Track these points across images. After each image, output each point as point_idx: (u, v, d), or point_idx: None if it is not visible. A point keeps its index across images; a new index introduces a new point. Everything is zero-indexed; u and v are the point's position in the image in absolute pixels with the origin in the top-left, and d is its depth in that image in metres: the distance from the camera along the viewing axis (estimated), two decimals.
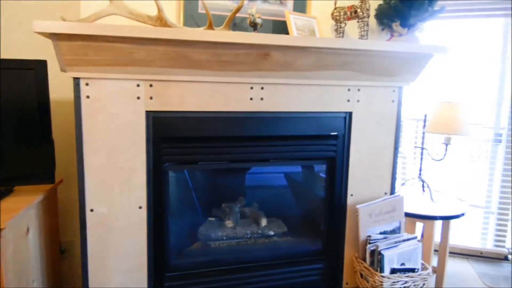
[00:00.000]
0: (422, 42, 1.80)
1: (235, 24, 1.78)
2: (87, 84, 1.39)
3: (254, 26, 1.69)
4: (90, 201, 1.45)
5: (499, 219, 2.59)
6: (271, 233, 1.95)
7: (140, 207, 1.51)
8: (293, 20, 1.77)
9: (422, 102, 2.92)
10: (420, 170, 2.27)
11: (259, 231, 1.94)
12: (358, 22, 1.74)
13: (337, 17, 1.78)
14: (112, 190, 1.47)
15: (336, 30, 1.81)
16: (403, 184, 2.42)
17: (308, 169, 2.04)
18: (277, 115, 1.66)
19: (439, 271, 2.13)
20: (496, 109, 2.58)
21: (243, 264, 1.75)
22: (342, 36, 1.81)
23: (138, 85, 1.44)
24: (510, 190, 2.54)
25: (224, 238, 1.88)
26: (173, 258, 1.67)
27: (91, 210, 1.46)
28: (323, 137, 1.76)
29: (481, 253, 2.63)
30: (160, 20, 1.46)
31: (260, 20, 1.69)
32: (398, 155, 1.86)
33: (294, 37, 1.52)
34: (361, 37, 1.74)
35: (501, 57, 2.52)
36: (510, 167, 2.52)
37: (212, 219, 1.99)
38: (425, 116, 2.24)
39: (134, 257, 1.53)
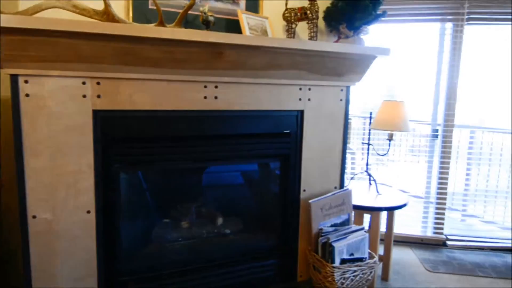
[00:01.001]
0: (367, 44, 1.91)
1: (187, 21, 1.76)
2: (26, 82, 1.29)
3: (206, 24, 1.68)
4: (32, 207, 1.36)
5: (437, 208, 2.82)
6: (227, 231, 1.96)
7: (89, 212, 1.44)
8: (246, 20, 1.79)
9: (370, 100, 3.10)
10: (367, 164, 2.41)
11: (215, 230, 1.94)
12: (308, 23, 1.80)
13: (288, 18, 1.83)
14: (57, 194, 1.39)
15: (287, 31, 1.86)
16: (352, 178, 2.55)
17: (263, 166, 2.07)
18: (231, 113, 1.67)
19: (385, 259, 2.27)
20: (433, 106, 2.80)
21: (199, 264, 1.74)
22: (293, 37, 1.86)
23: (83, 83, 1.37)
24: (446, 181, 2.78)
25: (180, 239, 1.86)
26: (126, 263, 1.61)
27: (34, 217, 1.36)
28: (277, 135, 1.80)
29: (422, 240, 2.86)
30: (107, 15, 1.40)
31: (213, 18, 1.68)
32: (347, 151, 1.96)
33: (247, 36, 1.54)
34: (311, 38, 1.80)
35: (437, 58, 2.75)
36: (445, 160, 2.76)
37: (167, 220, 1.95)
38: (371, 113, 2.38)
39: (83, 265, 1.46)
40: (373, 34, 2.64)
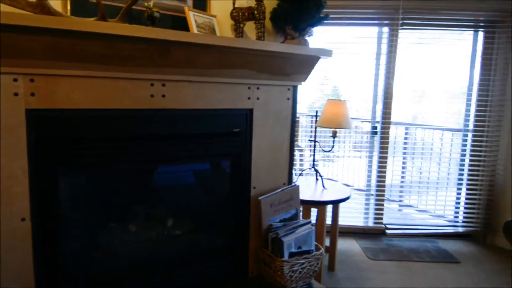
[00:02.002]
0: (311, 46, 1.98)
1: (132, 17, 1.69)
2: None
3: (152, 20, 1.63)
4: None
5: (377, 200, 3.03)
6: (178, 232, 1.93)
7: (23, 219, 1.33)
8: (193, 17, 1.77)
9: (317, 99, 3.23)
10: (314, 161, 2.51)
11: (166, 232, 1.90)
12: (255, 23, 1.83)
13: (236, 17, 1.84)
14: None
15: (235, 30, 1.87)
16: (300, 174, 2.65)
17: (214, 165, 2.07)
18: (180, 112, 1.64)
19: (331, 250, 2.40)
20: (372, 105, 3.00)
21: (149, 268, 1.69)
22: (242, 36, 1.88)
23: (15, 80, 1.26)
24: (384, 174, 3.00)
25: (128, 243, 1.79)
26: (68, 272, 1.52)
27: None
28: (227, 134, 1.81)
29: (364, 230, 3.06)
30: (41, 7, 1.30)
31: (158, 15, 1.63)
32: (296, 148, 2.03)
33: (195, 34, 1.52)
34: (259, 38, 1.83)
35: (375, 60, 2.94)
36: (383, 155, 2.98)
37: (115, 224, 1.87)
38: (316, 112, 2.48)
39: (17, 278, 1.35)
40: (318, 36, 2.75)
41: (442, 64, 3.08)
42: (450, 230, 3.06)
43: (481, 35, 2.89)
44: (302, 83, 1.95)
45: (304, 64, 1.83)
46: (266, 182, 1.93)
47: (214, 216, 2.08)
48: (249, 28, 1.96)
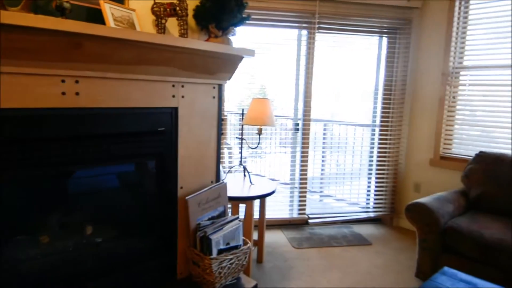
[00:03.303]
0: (235, 45, 2.02)
1: (38, 6, 1.53)
2: None
3: (61, 11, 1.49)
4: None
5: (300, 192, 3.22)
6: (99, 240, 1.80)
7: None
8: (109, 10, 1.66)
9: (245, 98, 3.30)
10: (241, 158, 2.56)
11: (84, 241, 1.76)
12: (177, 20, 1.79)
13: (157, 13, 1.78)
14: None
15: (157, 26, 1.81)
16: (228, 171, 2.68)
17: (139, 166, 1.98)
18: (98, 111, 1.53)
19: (259, 243, 2.48)
20: (294, 103, 3.16)
21: (67, 283, 1.56)
22: (164, 32, 1.82)
23: None
24: (306, 168, 3.19)
25: (39, 257, 1.61)
26: None
27: None
28: (150, 133, 1.74)
29: (290, 221, 3.22)
30: None
31: (69, 5, 1.50)
32: (225, 146, 2.04)
33: (110, 28, 1.43)
34: (181, 35, 1.80)
35: (296, 61, 3.11)
36: (305, 150, 3.17)
37: (23, 237, 1.67)
38: (243, 110, 2.54)
39: None
40: (243, 36, 2.81)
41: (354, 66, 3.38)
42: (363, 215, 3.39)
43: (385, 40, 3.24)
44: (227, 81, 1.97)
45: (228, 63, 1.86)
46: (194, 181, 1.92)
47: (140, 219, 1.99)
48: (173, 25, 1.92)
